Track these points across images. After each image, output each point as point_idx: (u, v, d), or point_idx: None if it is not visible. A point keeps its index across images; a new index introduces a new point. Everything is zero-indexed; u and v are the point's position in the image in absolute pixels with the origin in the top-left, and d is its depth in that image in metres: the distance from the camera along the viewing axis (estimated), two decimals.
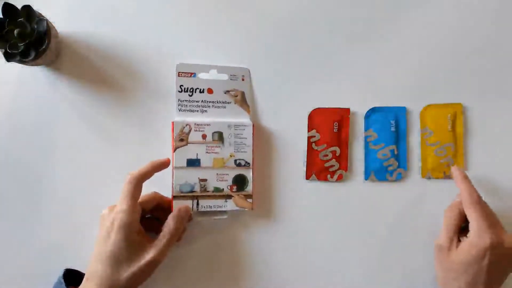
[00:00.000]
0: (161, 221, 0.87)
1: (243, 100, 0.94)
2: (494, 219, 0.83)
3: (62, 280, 0.84)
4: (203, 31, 0.96)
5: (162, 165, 0.87)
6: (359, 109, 0.96)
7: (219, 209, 0.91)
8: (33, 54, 0.84)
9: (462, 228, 0.87)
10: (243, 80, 0.94)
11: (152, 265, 0.81)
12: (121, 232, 0.79)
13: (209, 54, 0.95)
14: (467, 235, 0.83)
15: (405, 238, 0.93)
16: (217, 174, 0.90)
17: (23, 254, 0.93)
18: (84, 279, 0.82)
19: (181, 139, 0.89)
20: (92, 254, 0.82)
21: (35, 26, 0.85)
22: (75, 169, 0.93)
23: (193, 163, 0.89)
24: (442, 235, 0.87)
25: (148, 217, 0.91)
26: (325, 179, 0.95)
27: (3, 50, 0.84)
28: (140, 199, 0.84)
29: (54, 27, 0.89)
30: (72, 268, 0.89)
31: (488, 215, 0.82)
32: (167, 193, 0.89)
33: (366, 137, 0.96)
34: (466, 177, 0.86)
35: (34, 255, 0.93)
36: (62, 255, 0.92)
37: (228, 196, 0.91)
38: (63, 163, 0.93)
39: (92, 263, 0.81)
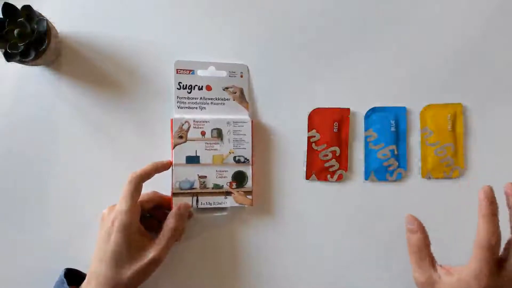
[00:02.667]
0: (161, 220, 0.87)
1: (242, 97, 0.94)
2: (497, 265, 0.76)
3: (64, 279, 0.84)
4: (202, 28, 0.96)
5: (163, 167, 0.87)
6: (359, 109, 0.96)
7: (219, 205, 0.91)
8: (33, 54, 0.85)
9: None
10: (241, 77, 0.94)
11: (154, 263, 0.82)
12: (121, 233, 0.79)
13: (207, 51, 0.95)
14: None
15: (405, 238, 0.93)
16: (216, 170, 0.90)
17: (23, 253, 0.92)
18: (86, 278, 0.82)
19: (180, 136, 0.89)
20: (94, 254, 0.82)
21: (35, 26, 0.85)
22: (75, 168, 0.93)
23: (192, 160, 0.89)
24: (416, 271, 0.82)
25: (148, 217, 0.90)
26: (325, 179, 0.95)
27: (3, 50, 0.84)
28: (139, 199, 0.84)
29: (54, 27, 0.89)
30: (73, 267, 0.89)
31: (493, 261, 0.76)
32: (167, 190, 0.89)
33: (366, 137, 0.96)
34: (494, 215, 0.77)
35: (34, 254, 0.92)
36: (62, 254, 0.92)
37: (228, 193, 0.91)
38: (63, 163, 0.93)
39: (94, 263, 0.81)
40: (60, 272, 0.86)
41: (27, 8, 0.85)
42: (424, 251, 0.81)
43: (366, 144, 0.96)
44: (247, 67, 0.95)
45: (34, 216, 0.93)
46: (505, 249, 0.78)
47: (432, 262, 0.81)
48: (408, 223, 0.84)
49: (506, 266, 0.76)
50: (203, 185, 0.90)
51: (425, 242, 0.82)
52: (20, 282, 0.92)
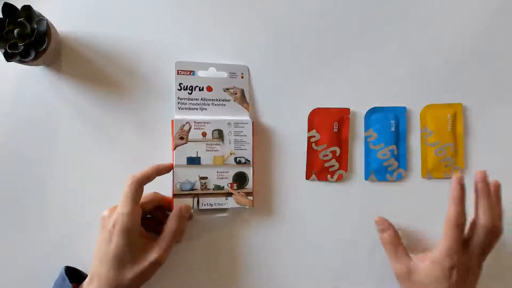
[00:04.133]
0: (161, 221, 0.87)
1: (242, 98, 0.94)
2: (463, 243, 0.84)
3: (66, 276, 0.84)
4: (202, 29, 0.96)
5: (164, 170, 0.87)
6: (359, 109, 0.96)
7: (219, 207, 0.91)
8: (33, 54, 0.84)
9: None
10: (242, 77, 0.94)
11: (155, 265, 0.82)
12: (123, 236, 0.79)
13: (208, 52, 0.95)
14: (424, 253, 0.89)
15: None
16: (217, 172, 0.90)
17: (23, 253, 0.92)
18: (87, 279, 0.82)
19: (181, 137, 0.89)
20: (94, 254, 0.82)
21: (35, 26, 0.85)
22: (75, 168, 0.93)
23: (193, 161, 0.89)
24: (395, 265, 0.89)
25: (148, 217, 0.90)
26: (325, 179, 0.95)
27: (3, 50, 0.84)
28: (140, 200, 0.83)
29: (54, 27, 0.89)
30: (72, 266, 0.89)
31: (461, 239, 0.83)
32: (167, 191, 0.89)
33: (366, 137, 0.96)
34: (461, 197, 0.84)
35: (34, 254, 0.92)
36: (63, 254, 0.92)
37: (229, 194, 0.91)
38: (63, 163, 0.93)
39: (95, 264, 0.81)
40: (61, 269, 0.87)
41: (27, 8, 0.85)
42: (397, 245, 0.90)
43: (366, 144, 0.96)
44: (248, 68, 0.95)
45: (34, 216, 0.93)
46: (469, 229, 0.85)
47: (407, 253, 0.90)
48: (378, 225, 0.93)
49: (470, 244, 0.84)
50: (204, 186, 0.90)
51: (397, 237, 0.91)
52: (20, 281, 0.92)
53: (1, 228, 0.92)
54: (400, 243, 0.90)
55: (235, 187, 0.91)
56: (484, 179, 0.85)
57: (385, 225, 0.91)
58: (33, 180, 0.93)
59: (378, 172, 0.95)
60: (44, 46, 0.85)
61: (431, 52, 0.96)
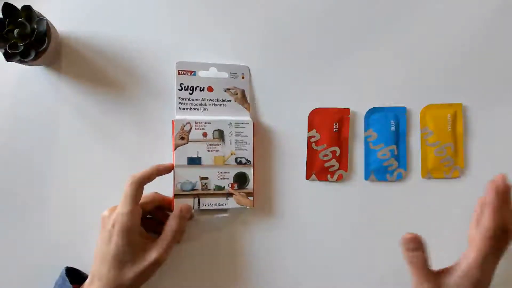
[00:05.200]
0: (161, 221, 0.88)
1: (243, 98, 0.94)
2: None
3: (66, 278, 0.84)
4: (203, 29, 0.96)
5: (165, 170, 0.87)
6: (359, 109, 0.96)
7: (220, 207, 0.91)
8: (33, 54, 0.84)
9: None
10: (243, 78, 0.94)
11: (156, 265, 0.82)
12: (123, 236, 0.79)
13: (208, 52, 0.95)
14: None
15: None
16: (218, 172, 0.90)
17: (23, 253, 0.92)
18: (88, 279, 0.82)
19: (182, 137, 0.89)
20: (95, 255, 0.82)
21: (35, 26, 0.85)
22: (76, 168, 0.93)
23: (194, 161, 0.89)
24: (422, 284, 0.80)
25: (148, 217, 0.90)
26: (325, 179, 0.95)
27: (3, 50, 0.84)
28: (140, 200, 0.83)
29: (54, 27, 0.89)
30: (73, 267, 0.89)
31: (493, 251, 0.76)
32: (168, 191, 0.89)
33: (366, 137, 0.96)
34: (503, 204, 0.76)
35: (34, 254, 0.92)
36: (62, 254, 0.92)
37: (229, 194, 0.91)
38: (63, 163, 0.93)
39: (96, 264, 0.81)
40: (61, 270, 0.87)
41: (27, 8, 0.85)
42: (425, 266, 0.80)
43: (366, 144, 0.96)
44: (248, 68, 0.95)
45: (34, 216, 0.93)
46: None
47: (433, 270, 0.80)
48: (408, 243, 0.81)
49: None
50: (205, 186, 0.90)
51: (426, 259, 0.80)
52: (20, 281, 0.92)
53: (1, 228, 0.92)
54: (427, 263, 0.80)
55: (236, 188, 0.91)
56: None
57: (416, 245, 0.81)
58: (33, 180, 0.93)
59: (378, 172, 0.95)
60: (44, 46, 0.85)
61: (431, 52, 0.96)
